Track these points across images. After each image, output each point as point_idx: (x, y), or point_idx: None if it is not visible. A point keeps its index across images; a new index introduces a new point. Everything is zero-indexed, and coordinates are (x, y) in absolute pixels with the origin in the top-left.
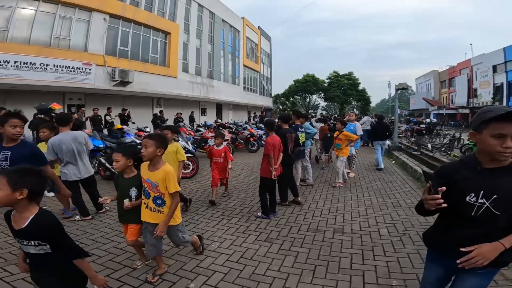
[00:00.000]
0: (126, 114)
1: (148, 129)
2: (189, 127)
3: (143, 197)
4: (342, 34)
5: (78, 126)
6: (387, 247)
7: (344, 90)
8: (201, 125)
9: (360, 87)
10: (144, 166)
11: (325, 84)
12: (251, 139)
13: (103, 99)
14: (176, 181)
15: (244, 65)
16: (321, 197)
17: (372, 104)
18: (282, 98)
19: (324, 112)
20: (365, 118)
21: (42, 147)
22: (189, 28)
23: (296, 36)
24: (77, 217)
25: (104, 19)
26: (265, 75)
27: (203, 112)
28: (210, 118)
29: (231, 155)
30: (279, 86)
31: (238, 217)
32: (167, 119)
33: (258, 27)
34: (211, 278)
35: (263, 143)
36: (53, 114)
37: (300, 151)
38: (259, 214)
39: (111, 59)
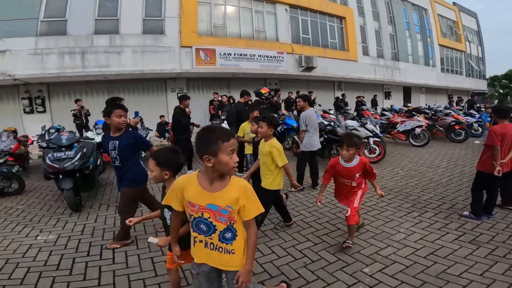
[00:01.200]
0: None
1: (332, 111)
2: (373, 111)
3: (195, 233)
4: None
5: (275, 107)
6: None
7: None
8: (386, 109)
9: None
10: (192, 184)
11: None
12: (456, 127)
13: (293, 84)
14: (257, 198)
15: (441, 45)
16: None
17: None
18: (504, 81)
19: None
20: None
21: (246, 126)
22: (363, 10)
23: None
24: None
25: (286, 9)
26: (474, 54)
27: (387, 95)
28: (396, 102)
29: (373, 171)
30: (500, 67)
31: (434, 212)
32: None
33: (454, 3)
34: (389, 268)
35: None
36: (263, 97)
37: None
38: (466, 213)
39: (297, 47)
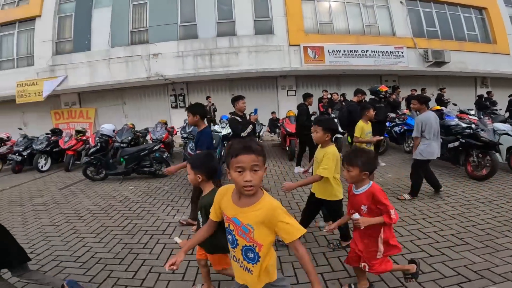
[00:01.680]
0: (444, 97)
1: (472, 112)
2: None
3: (228, 243)
4: None
5: (395, 106)
6: None
7: None
8: None
9: None
10: (227, 194)
11: None
12: None
13: (415, 80)
14: (292, 219)
15: None
16: None
17: None
18: None
19: None
20: None
21: (365, 125)
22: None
23: None
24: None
25: (401, 2)
26: None
27: None
28: None
29: (387, 207)
30: None
31: None
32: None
33: None
34: None
35: None
36: (381, 95)
37: None
38: None
39: (420, 41)
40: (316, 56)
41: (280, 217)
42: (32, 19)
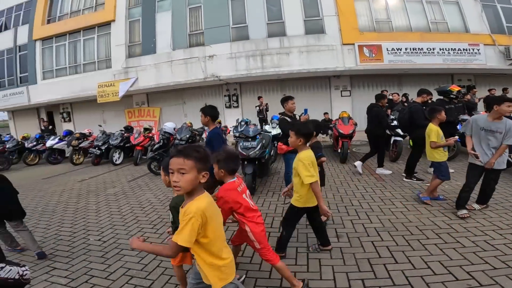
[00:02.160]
0: None
1: None
2: None
3: None
4: None
5: (470, 107)
6: None
7: None
8: None
9: None
10: None
11: None
12: None
13: (495, 79)
14: (186, 229)
15: None
16: None
17: None
18: None
19: None
20: None
21: (438, 129)
22: None
23: None
24: (476, 206)
25: None
26: None
27: None
28: None
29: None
30: None
31: None
32: None
33: None
34: None
35: None
36: (451, 96)
37: None
38: None
39: (500, 38)
40: (373, 55)
41: (182, 220)
42: (108, 24)
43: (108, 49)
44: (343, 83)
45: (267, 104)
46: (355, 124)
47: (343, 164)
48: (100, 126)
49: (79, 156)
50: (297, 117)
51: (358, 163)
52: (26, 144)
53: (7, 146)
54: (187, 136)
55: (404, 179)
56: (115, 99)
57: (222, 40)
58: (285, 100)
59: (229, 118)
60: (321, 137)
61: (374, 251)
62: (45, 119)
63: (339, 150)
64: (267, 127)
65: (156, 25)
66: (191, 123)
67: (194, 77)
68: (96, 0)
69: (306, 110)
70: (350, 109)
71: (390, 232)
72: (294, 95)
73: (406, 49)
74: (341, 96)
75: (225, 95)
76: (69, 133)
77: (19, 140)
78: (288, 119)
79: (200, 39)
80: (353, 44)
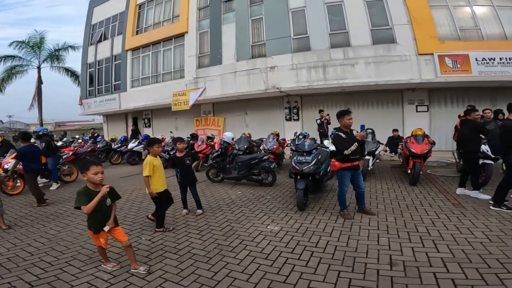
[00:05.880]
0: None
1: None
2: None
3: None
4: None
5: None
6: None
7: None
8: None
9: None
10: None
11: None
12: None
13: None
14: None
15: None
16: None
17: None
18: None
19: None
20: None
21: None
22: None
23: None
24: None
25: None
26: None
27: None
28: None
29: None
30: None
31: None
32: None
33: None
34: None
35: None
36: None
37: None
38: None
39: None
40: (458, 66)
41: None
42: (182, 35)
43: (182, 59)
44: (419, 97)
45: (328, 115)
46: (432, 143)
47: (412, 186)
48: (171, 132)
49: None
50: (354, 133)
51: (459, 190)
52: (112, 145)
53: (98, 146)
54: (245, 146)
55: (491, 207)
56: (185, 108)
57: (284, 51)
58: (341, 115)
59: (289, 131)
60: (388, 155)
61: (434, 283)
62: (133, 124)
63: (409, 171)
64: (326, 142)
65: (222, 36)
66: (249, 134)
67: (256, 88)
68: (173, 12)
69: (363, 127)
70: (427, 126)
71: (461, 264)
72: (360, 109)
73: (501, 59)
74: (417, 111)
75: (285, 107)
76: (147, 137)
77: (108, 141)
78: (343, 135)
79: (262, 50)
80: (432, 54)
